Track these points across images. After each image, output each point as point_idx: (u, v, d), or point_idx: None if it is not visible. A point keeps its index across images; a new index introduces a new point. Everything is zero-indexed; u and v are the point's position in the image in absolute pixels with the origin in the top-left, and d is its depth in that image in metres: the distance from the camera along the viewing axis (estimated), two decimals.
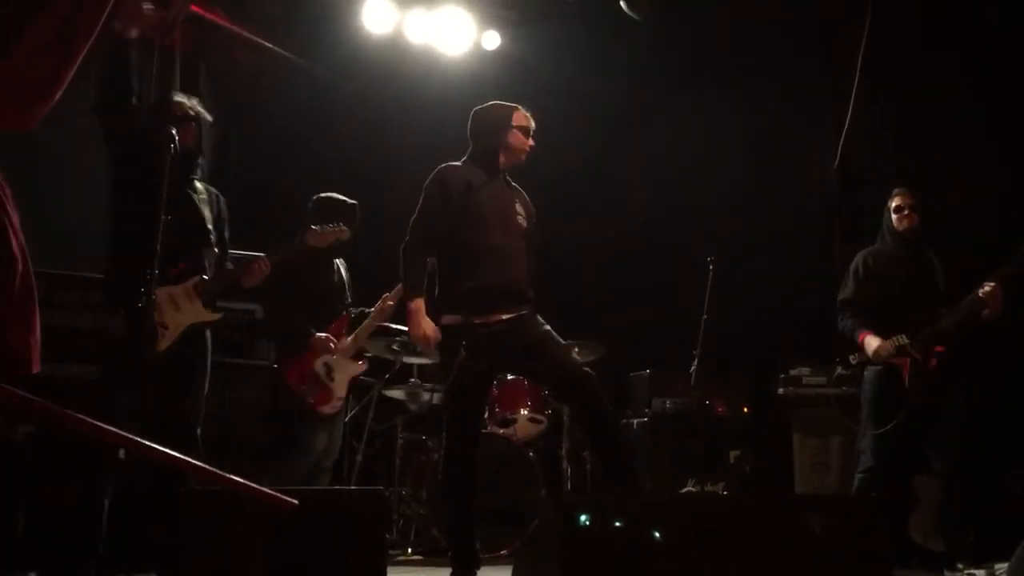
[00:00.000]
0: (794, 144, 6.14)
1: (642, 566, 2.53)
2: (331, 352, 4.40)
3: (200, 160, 3.76)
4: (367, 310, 4.64)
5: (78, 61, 1.55)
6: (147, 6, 3.18)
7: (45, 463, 3.63)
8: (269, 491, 1.90)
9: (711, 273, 5.49)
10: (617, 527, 2.53)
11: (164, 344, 3.49)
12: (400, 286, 4.51)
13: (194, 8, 5.25)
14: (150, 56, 4.39)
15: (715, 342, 5.47)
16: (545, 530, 3.07)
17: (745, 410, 5.56)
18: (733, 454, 5.38)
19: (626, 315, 6.32)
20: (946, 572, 4.12)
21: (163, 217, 3.22)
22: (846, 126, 5.62)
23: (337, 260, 4.64)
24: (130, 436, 1.74)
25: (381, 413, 5.26)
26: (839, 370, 4.82)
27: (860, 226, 5.31)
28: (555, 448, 5.35)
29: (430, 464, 4.92)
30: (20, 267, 1.54)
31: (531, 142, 3.77)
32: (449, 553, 3.67)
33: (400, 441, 5.27)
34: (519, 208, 3.76)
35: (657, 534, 2.54)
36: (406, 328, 3.78)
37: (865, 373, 4.40)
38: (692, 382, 5.46)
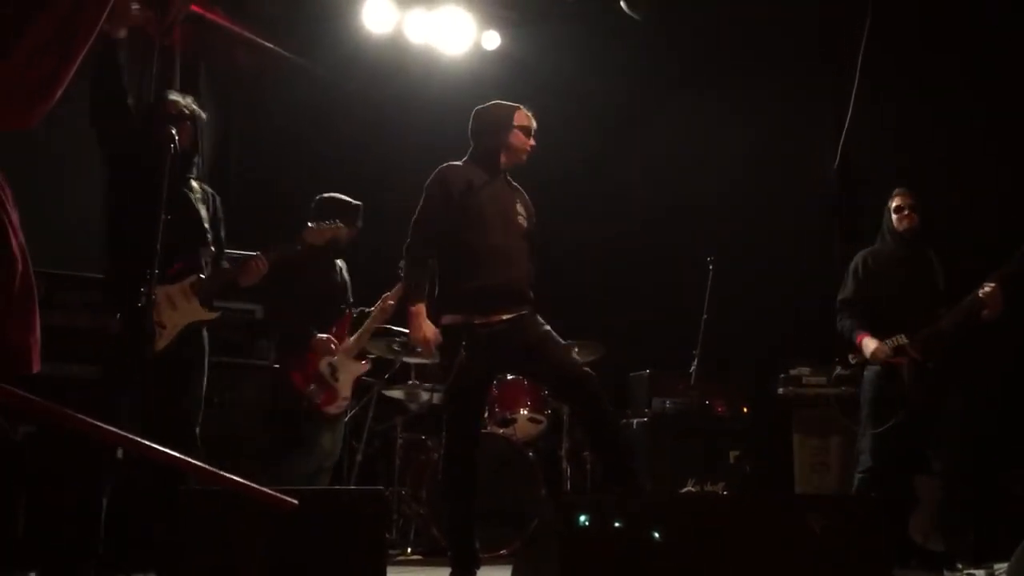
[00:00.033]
0: (794, 144, 6.14)
1: (642, 566, 2.53)
2: (332, 353, 4.40)
3: (196, 159, 3.76)
4: (367, 310, 4.65)
5: (78, 61, 1.55)
6: (135, 6, 3.17)
7: (44, 463, 3.63)
8: (269, 491, 1.90)
9: (711, 273, 5.49)
10: (617, 527, 2.53)
11: (162, 344, 3.49)
12: (400, 286, 4.53)
13: (194, 8, 5.25)
14: (150, 56, 4.39)
15: (715, 342, 5.47)
16: (545, 530, 3.07)
17: (745, 410, 5.56)
18: (733, 454, 5.38)
19: (626, 315, 6.32)
20: (946, 572, 4.12)
21: (164, 217, 3.23)
22: (846, 126, 5.63)
23: (338, 260, 4.64)
24: (130, 436, 1.74)
25: (381, 413, 5.26)
26: (838, 370, 4.82)
27: (860, 226, 5.31)
28: (555, 448, 5.35)
29: (430, 464, 4.93)
30: (20, 267, 1.54)
31: (532, 142, 3.76)
32: (449, 553, 3.67)
33: (400, 441, 5.27)
34: (520, 208, 3.76)
35: (656, 535, 2.54)
36: (406, 329, 3.79)
37: (865, 373, 4.40)
38: (692, 382, 5.46)
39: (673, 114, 6.69)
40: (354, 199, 4.57)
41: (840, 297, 4.58)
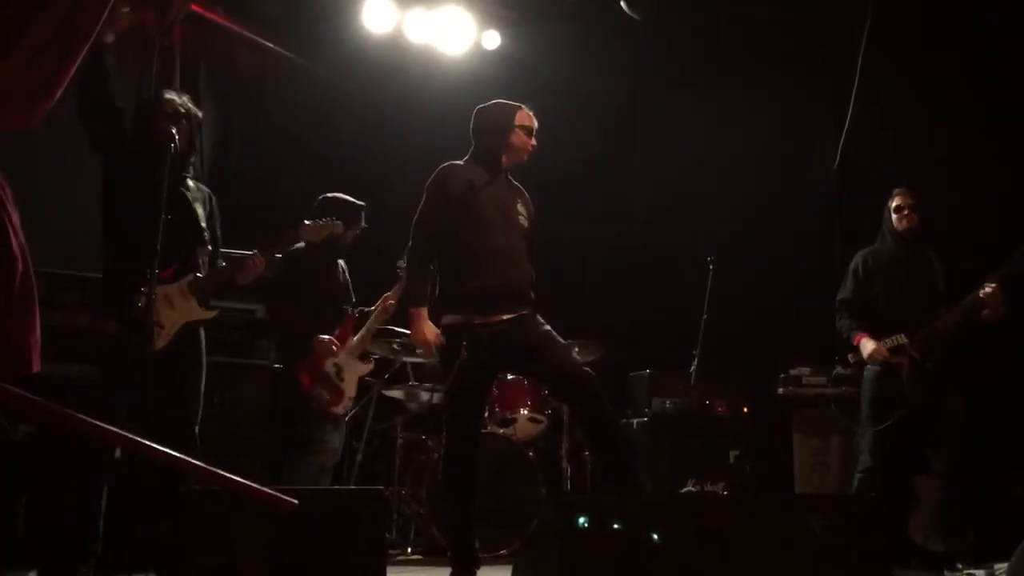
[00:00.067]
0: (794, 144, 6.15)
1: (642, 566, 2.53)
2: (335, 354, 4.40)
3: (193, 158, 3.75)
4: (367, 310, 4.65)
5: (78, 61, 1.55)
6: (125, 10, 3.17)
7: (43, 462, 3.64)
8: (269, 491, 1.90)
9: (711, 273, 5.49)
10: (616, 528, 2.53)
11: (161, 343, 3.49)
12: (399, 286, 4.54)
13: (194, 7, 5.25)
14: (150, 56, 4.39)
15: (715, 342, 5.47)
16: (545, 530, 3.07)
17: (745, 410, 5.56)
18: (733, 454, 5.38)
19: (626, 315, 6.32)
20: (946, 572, 4.13)
21: (164, 216, 3.23)
22: (846, 126, 5.63)
23: (340, 260, 4.64)
24: (130, 436, 1.74)
25: (381, 413, 5.26)
26: (838, 369, 4.83)
27: (860, 226, 5.31)
28: (555, 448, 5.35)
29: (430, 464, 4.93)
30: (20, 267, 1.54)
31: (533, 142, 3.76)
32: (449, 553, 3.67)
33: (400, 441, 5.27)
34: (520, 208, 3.76)
35: (656, 536, 2.54)
36: (406, 329, 3.78)
37: (864, 373, 4.41)
38: (692, 382, 5.46)
39: (673, 114, 6.69)
40: (354, 199, 4.57)
41: (840, 297, 4.58)
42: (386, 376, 5.12)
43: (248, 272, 3.78)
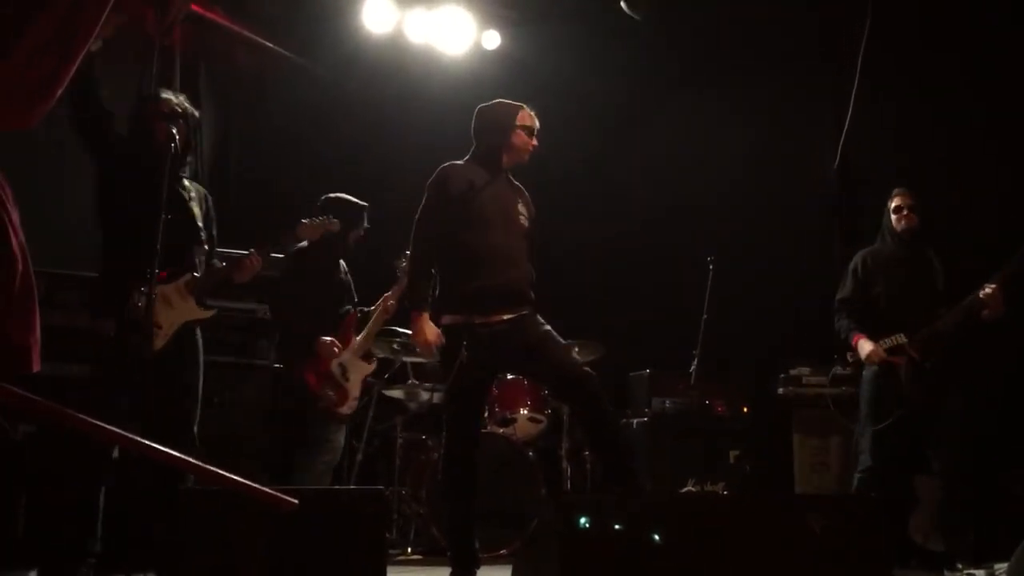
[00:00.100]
0: (794, 144, 6.15)
1: (642, 566, 2.53)
2: (338, 355, 4.40)
3: (189, 158, 3.74)
4: (366, 309, 4.65)
5: (78, 61, 1.56)
6: (114, 15, 3.16)
7: (41, 462, 3.63)
8: (269, 491, 1.90)
9: (711, 273, 5.49)
10: (617, 529, 2.54)
11: (159, 343, 3.48)
12: (398, 286, 4.54)
13: (194, 7, 5.25)
14: (150, 56, 4.39)
15: (715, 342, 5.47)
16: (545, 530, 3.07)
17: (745, 410, 5.56)
18: (733, 454, 5.38)
19: (626, 315, 6.32)
20: (946, 572, 4.13)
21: (164, 216, 3.23)
22: (846, 126, 5.63)
23: (341, 261, 4.64)
24: (131, 436, 1.74)
25: (381, 413, 5.26)
26: (836, 369, 4.83)
27: (860, 226, 5.31)
28: (555, 448, 5.35)
29: (430, 463, 4.93)
30: (20, 266, 1.54)
31: (535, 142, 3.75)
32: (449, 553, 3.67)
33: (400, 440, 5.27)
34: (521, 208, 3.76)
35: (656, 537, 2.54)
36: (406, 329, 3.78)
37: (863, 373, 4.41)
38: (692, 382, 5.46)
39: (673, 114, 6.69)
40: (358, 199, 4.57)
41: (839, 297, 4.58)
42: (386, 376, 5.12)
43: (245, 271, 3.77)
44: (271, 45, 6.11)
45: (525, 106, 3.77)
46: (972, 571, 4.01)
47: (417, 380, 5.38)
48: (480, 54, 6.47)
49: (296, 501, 1.88)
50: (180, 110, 3.63)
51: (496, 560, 4.42)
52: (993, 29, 5.33)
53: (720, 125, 6.45)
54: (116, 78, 4.30)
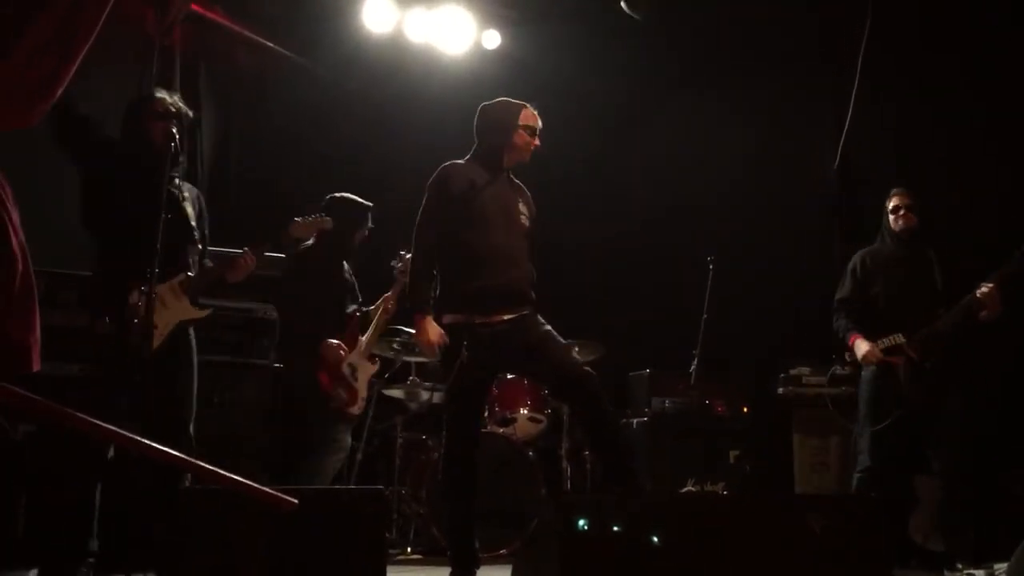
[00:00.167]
0: (794, 144, 6.15)
1: (642, 566, 2.53)
2: (345, 357, 4.40)
3: (181, 158, 3.73)
4: (366, 309, 4.66)
5: (78, 61, 1.56)
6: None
7: (40, 461, 3.63)
8: (269, 490, 1.90)
9: (711, 273, 5.49)
10: (617, 530, 2.54)
11: (155, 343, 3.47)
12: (397, 286, 4.55)
13: (194, 7, 5.25)
14: (150, 56, 4.39)
15: (715, 342, 5.46)
16: (545, 530, 3.07)
17: (745, 410, 5.56)
18: (733, 454, 5.38)
19: (626, 315, 6.32)
20: (946, 572, 4.12)
21: (164, 216, 3.23)
22: (846, 126, 5.63)
23: (345, 262, 4.64)
24: (131, 436, 1.74)
25: (381, 412, 5.26)
26: (835, 369, 4.83)
27: (860, 226, 5.31)
28: (555, 447, 5.35)
29: (430, 463, 4.93)
30: (20, 266, 1.54)
31: (537, 142, 3.74)
32: (449, 552, 3.67)
33: (400, 440, 5.27)
34: (522, 207, 3.76)
35: (656, 539, 2.54)
36: (406, 328, 3.77)
37: (862, 373, 4.41)
38: (692, 382, 5.46)
39: (673, 114, 6.69)
40: (362, 199, 4.56)
41: (838, 297, 4.59)
42: (386, 376, 5.12)
43: (239, 271, 3.77)
44: (271, 45, 6.11)
45: (528, 105, 3.76)
46: (972, 571, 4.01)
47: (417, 380, 5.39)
48: (480, 54, 6.47)
49: (296, 501, 1.88)
50: (174, 110, 3.62)
51: (496, 560, 4.42)
52: (993, 29, 5.33)
53: (720, 125, 6.45)
54: (116, 78, 4.31)
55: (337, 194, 4.52)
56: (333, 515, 2.82)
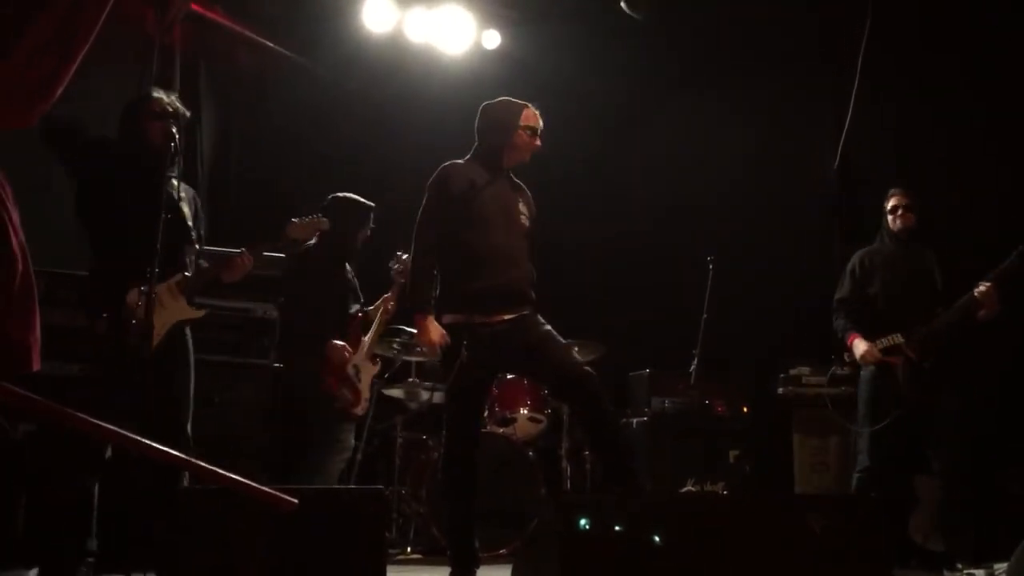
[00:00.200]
0: (794, 144, 6.15)
1: (642, 566, 2.53)
2: (350, 358, 4.40)
3: (178, 158, 3.72)
4: (366, 309, 4.66)
5: (78, 60, 1.56)
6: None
7: (39, 461, 3.63)
8: (268, 490, 1.90)
9: (711, 273, 5.49)
10: (617, 530, 2.54)
11: (152, 343, 3.47)
12: (396, 287, 4.55)
13: (194, 7, 5.25)
14: (150, 55, 4.39)
15: (715, 342, 5.46)
16: (545, 530, 3.07)
17: (745, 410, 5.56)
18: (733, 454, 5.38)
19: (626, 315, 6.32)
20: (946, 572, 4.13)
21: (164, 216, 3.23)
22: (846, 126, 5.63)
23: (347, 263, 4.64)
24: (131, 435, 1.74)
25: (381, 412, 5.26)
26: (835, 369, 4.83)
27: (860, 226, 5.31)
28: (555, 447, 5.35)
29: (430, 463, 4.93)
30: (20, 266, 1.55)
31: (538, 142, 3.74)
32: (449, 552, 3.67)
33: (400, 440, 5.27)
34: (522, 207, 3.75)
35: (657, 538, 2.54)
36: (406, 327, 3.76)
37: (861, 373, 4.42)
38: (692, 382, 5.46)
39: (673, 114, 6.69)
40: (365, 199, 4.56)
41: (837, 297, 4.59)
42: (386, 375, 5.12)
43: (235, 271, 3.77)
44: (271, 45, 6.11)
45: (530, 105, 3.75)
46: (972, 571, 4.01)
47: (417, 379, 5.39)
48: (480, 54, 6.47)
49: (296, 501, 1.88)
50: (171, 109, 3.62)
51: (496, 560, 4.42)
52: (993, 29, 5.33)
53: (720, 125, 6.45)
54: (116, 78, 4.31)
55: (339, 194, 4.51)
56: (333, 515, 2.82)
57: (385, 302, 4.62)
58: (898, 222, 4.46)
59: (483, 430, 4.30)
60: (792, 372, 5.31)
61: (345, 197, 4.49)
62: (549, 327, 3.63)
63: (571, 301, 6.01)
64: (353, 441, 4.52)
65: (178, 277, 3.61)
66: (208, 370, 4.27)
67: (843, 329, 4.48)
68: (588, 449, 5.23)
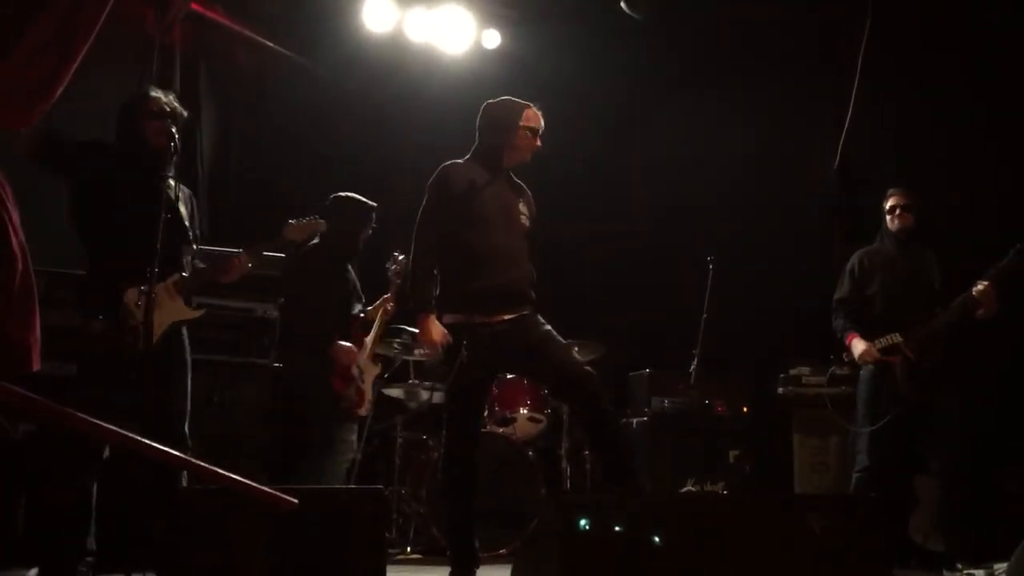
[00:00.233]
0: (794, 144, 6.15)
1: (642, 566, 2.53)
2: (356, 360, 4.41)
3: (174, 158, 3.72)
4: (367, 309, 4.66)
5: (78, 60, 1.56)
6: None
7: (39, 461, 3.63)
8: (269, 490, 1.90)
9: (711, 273, 5.49)
10: (617, 529, 2.54)
11: (152, 343, 3.47)
12: (394, 288, 4.55)
13: (194, 6, 5.25)
14: (150, 55, 4.38)
15: (715, 342, 5.46)
16: (545, 530, 3.07)
17: (745, 410, 5.56)
18: (733, 454, 5.38)
19: (626, 315, 6.32)
20: (946, 572, 4.13)
21: (164, 216, 3.23)
22: (846, 126, 5.63)
23: (349, 264, 4.64)
24: (131, 435, 1.74)
25: (380, 412, 5.26)
26: (834, 369, 4.83)
27: (860, 226, 5.31)
28: (555, 447, 5.35)
29: (430, 463, 4.93)
30: (20, 266, 1.55)
31: (538, 143, 3.74)
32: (448, 552, 3.67)
33: (399, 440, 5.27)
34: (522, 207, 3.75)
35: (657, 539, 2.54)
36: (407, 327, 3.76)
37: (860, 372, 4.42)
38: (692, 382, 5.46)
39: (673, 114, 6.69)
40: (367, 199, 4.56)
41: (836, 297, 4.59)
42: (386, 375, 5.12)
43: (232, 271, 3.76)
44: (271, 44, 6.11)
45: (532, 105, 3.75)
46: (972, 571, 4.01)
47: (417, 379, 5.39)
48: (480, 53, 6.47)
49: (296, 500, 1.88)
50: (169, 109, 3.62)
51: (496, 560, 4.42)
52: (993, 29, 5.33)
53: (720, 125, 6.45)
54: (116, 78, 4.30)
55: (342, 194, 4.51)
56: (333, 515, 2.82)
57: (384, 303, 4.62)
58: (896, 222, 4.46)
59: (483, 430, 4.31)
60: (792, 372, 5.31)
61: (348, 197, 4.49)
62: (549, 327, 3.63)
63: (571, 301, 6.01)
64: (356, 440, 4.53)
65: (175, 277, 3.61)
66: (208, 370, 4.27)
67: (842, 329, 4.48)
68: (588, 449, 5.23)
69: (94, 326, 3.43)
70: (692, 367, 5.45)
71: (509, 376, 5.14)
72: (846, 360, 4.47)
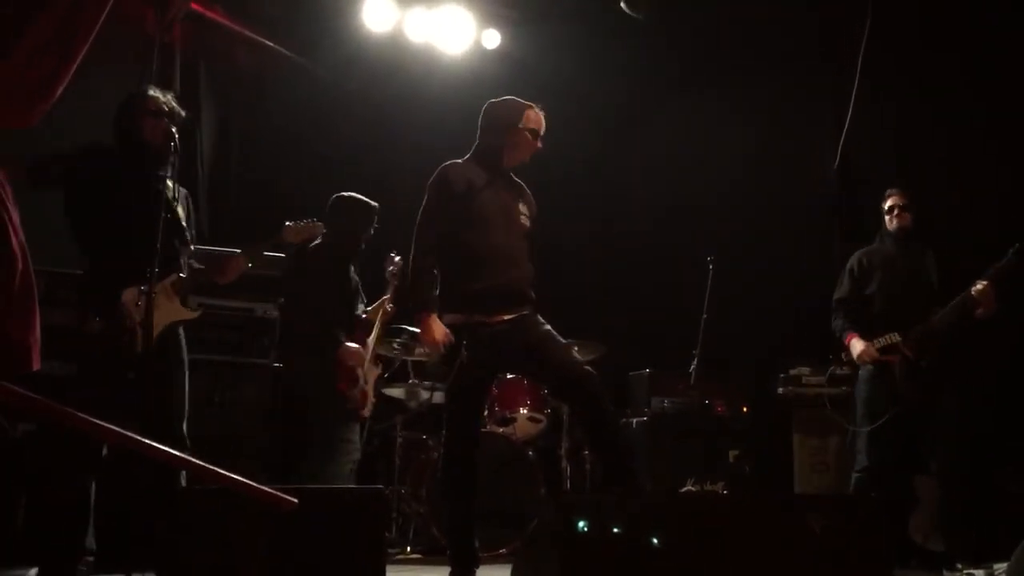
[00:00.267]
0: (794, 144, 6.15)
1: (642, 566, 2.53)
2: (361, 360, 4.41)
3: (172, 158, 3.71)
4: (368, 309, 4.66)
5: (78, 60, 1.56)
6: None
7: (39, 460, 3.63)
8: (269, 490, 1.90)
9: (711, 273, 5.49)
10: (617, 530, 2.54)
11: (151, 343, 3.46)
12: (393, 289, 4.55)
13: (194, 6, 5.25)
14: (150, 54, 4.38)
15: (715, 342, 5.47)
16: (544, 529, 3.07)
17: (745, 410, 5.56)
18: (733, 454, 5.38)
19: (626, 315, 6.32)
20: (946, 572, 4.13)
21: (164, 215, 3.23)
22: (846, 126, 5.63)
23: (351, 264, 4.64)
24: (131, 435, 1.74)
25: (380, 412, 5.26)
26: (833, 369, 4.83)
27: (860, 226, 5.31)
28: (554, 447, 5.35)
29: (430, 463, 4.93)
30: (20, 265, 1.55)
31: (538, 144, 3.74)
32: (448, 552, 3.67)
33: (400, 440, 5.27)
34: (522, 208, 3.75)
35: (655, 540, 2.54)
36: (407, 327, 3.76)
37: (860, 372, 4.42)
38: (692, 382, 5.46)
39: (673, 114, 6.69)
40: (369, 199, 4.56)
41: (836, 297, 4.60)
42: (386, 375, 5.12)
43: (230, 272, 3.76)
44: (271, 44, 6.11)
45: (534, 106, 3.74)
46: (972, 571, 4.01)
47: (417, 379, 5.39)
48: (480, 53, 6.47)
49: (296, 500, 1.88)
50: (167, 108, 3.61)
51: (496, 560, 4.42)
52: (993, 29, 5.33)
53: (720, 125, 6.45)
54: (116, 78, 4.30)
55: (344, 193, 4.51)
56: (333, 515, 2.82)
57: (383, 304, 4.62)
58: (895, 222, 4.47)
59: (483, 430, 4.30)
60: (792, 372, 5.31)
61: (350, 197, 4.49)
62: (549, 327, 3.63)
63: (571, 301, 6.01)
64: (359, 440, 4.53)
65: (173, 278, 3.60)
66: (209, 370, 4.27)
67: (841, 329, 4.49)
68: (588, 449, 5.23)
69: (92, 326, 3.43)
70: (692, 367, 5.45)
71: (509, 376, 5.14)
72: (846, 360, 4.48)
